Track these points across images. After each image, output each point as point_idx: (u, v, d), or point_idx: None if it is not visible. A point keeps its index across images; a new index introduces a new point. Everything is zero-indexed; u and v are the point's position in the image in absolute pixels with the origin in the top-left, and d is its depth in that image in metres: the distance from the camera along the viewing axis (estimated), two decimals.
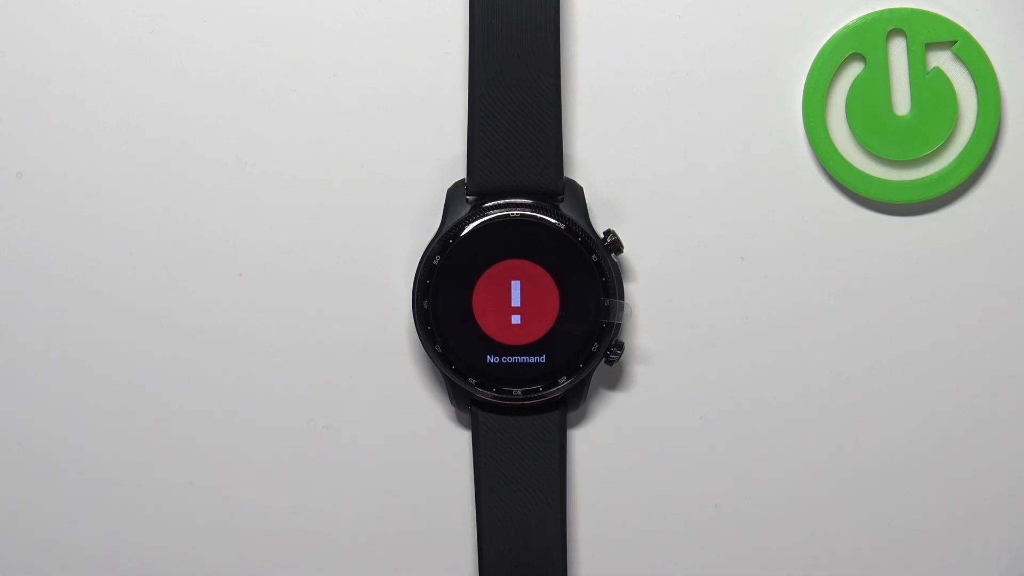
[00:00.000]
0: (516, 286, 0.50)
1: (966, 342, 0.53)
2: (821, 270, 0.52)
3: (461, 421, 0.53)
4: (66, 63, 0.52)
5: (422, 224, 0.52)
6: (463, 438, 0.53)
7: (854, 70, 0.52)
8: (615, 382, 0.53)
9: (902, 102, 0.52)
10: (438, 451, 0.53)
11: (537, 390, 0.50)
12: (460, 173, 0.51)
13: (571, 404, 0.51)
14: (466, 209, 0.50)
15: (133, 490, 0.53)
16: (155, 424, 0.53)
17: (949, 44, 0.51)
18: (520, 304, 0.50)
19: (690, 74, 0.52)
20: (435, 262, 0.50)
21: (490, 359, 0.50)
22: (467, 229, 0.50)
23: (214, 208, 0.52)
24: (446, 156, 0.52)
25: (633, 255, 0.52)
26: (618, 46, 0.52)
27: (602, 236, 0.50)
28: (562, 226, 0.50)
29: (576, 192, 0.51)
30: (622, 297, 0.50)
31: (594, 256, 0.50)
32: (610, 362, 0.50)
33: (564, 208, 0.50)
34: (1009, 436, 0.53)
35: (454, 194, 0.51)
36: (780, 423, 0.53)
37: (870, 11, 0.51)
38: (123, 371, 0.53)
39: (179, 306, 0.53)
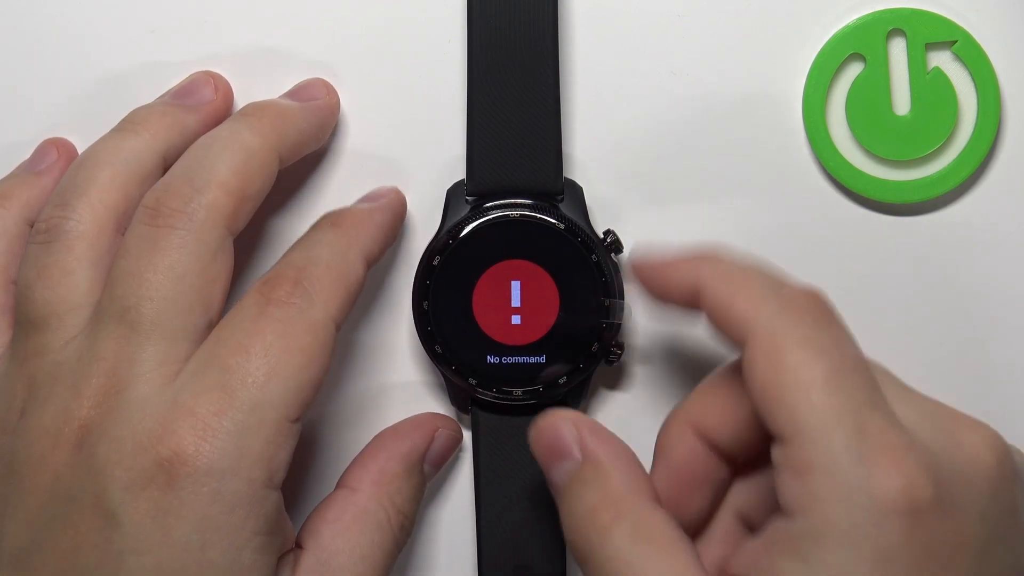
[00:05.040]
0: (516, 286, 0.50)
1: (966, 342, 0.53)
2: (821, 270, 0.52)
3: (461, 421, 0.53)
4: (66, 63, 0.52)
5: (422, 224, 0.52)
6: (463, 438, 0.53)
7: (854, 70, 0.52)
8: (615, 382, 0.53)
9: (902, 102, 0.52)
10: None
11: (537, 390, 0.50)
12: (460, 173, 0.51)
13: (571, 404, 0.51)
14: (466, 209, 0.50)
15: None
16: None
17: (949, 44, 0.51)
18: (520, 304, 0.50)
19: (690, 74, 0.52)
20: (435, 262, 0.50)
21: (490, 359, 0.50)
22: (467, 229, 0.50)
23: None
24: (446, 156, 0.52)
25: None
26: (618, 46, 0.52)
27: (602, 236, 0.50)
28: (562, 226, 0.50)
29: (576, 192, 0.51)
30: (622, 297, 0.50)
31: (594, 256, 0.50)
32: (610, 362, 0.50)
33: (564, 208, 0.50)
34: (1009, 435, 0.53)
35: (454, 194, 0.51)
36: None
37: (870, 11, 0.51)
38: None
39: None
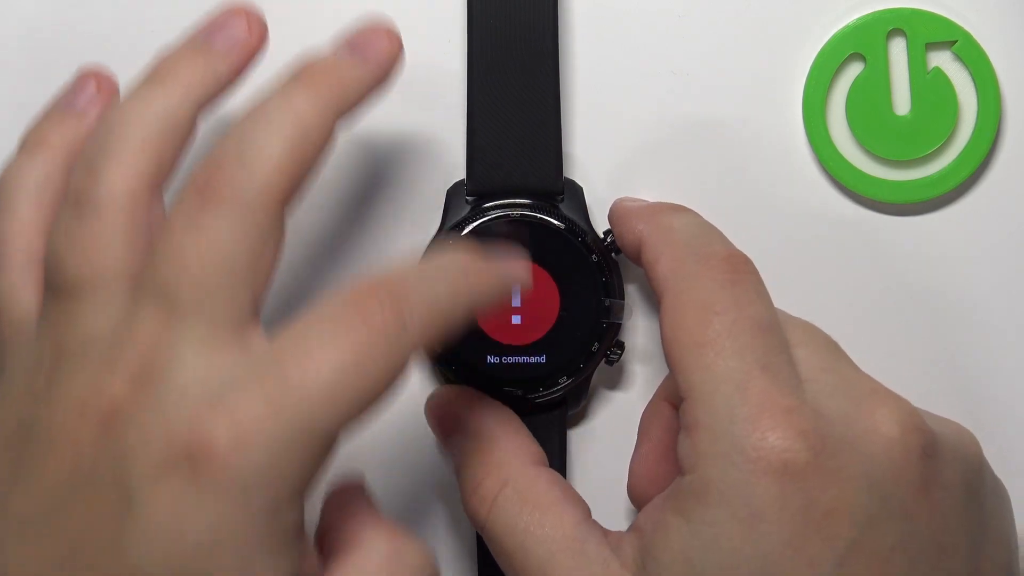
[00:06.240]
0: (516, 286, 0.50)
1: (966, 341, 0.53)
2: (821, 270, 0.52)
3: None
4: (65, 63, 0.52)
5: (422, 224, 0.52)
6: None
7: (854, 70, 0.52)
8: (615, 382, 0.53)
9: (902, 102, 0.52)
10: (439, 451, 0.53)
11: (538, 390, 0.50)
12: (460, 173, 0.51)
13: (571, 404, 0.51)
14: (466, 209, 0.50)
15: None
16: None
17: (949, 44, 0.51)
18: (520, 304, 0.50)
19: (690, 74, 0.52)
20: None
21: (490, 359, 0.50)
22: (467, 229, 0.50)
23: None
24: (446, 156, 0.52)
25: None
26: (618, 46, 0.52)
27: (602, 236, 0.50)
28: (562, 226, 0.50)
29: (576, 192, 0.51)
30: (622, 297, 0.50)
31: (594, 256, 0.50)
32: (610, 362, 0.50)
33: (564, 208, 0.50)
34: (1009, 436, 0.53)
35: (454, 194, 0.51)
36: None
37: (870, 11, 0.51)
38: None
39: None
